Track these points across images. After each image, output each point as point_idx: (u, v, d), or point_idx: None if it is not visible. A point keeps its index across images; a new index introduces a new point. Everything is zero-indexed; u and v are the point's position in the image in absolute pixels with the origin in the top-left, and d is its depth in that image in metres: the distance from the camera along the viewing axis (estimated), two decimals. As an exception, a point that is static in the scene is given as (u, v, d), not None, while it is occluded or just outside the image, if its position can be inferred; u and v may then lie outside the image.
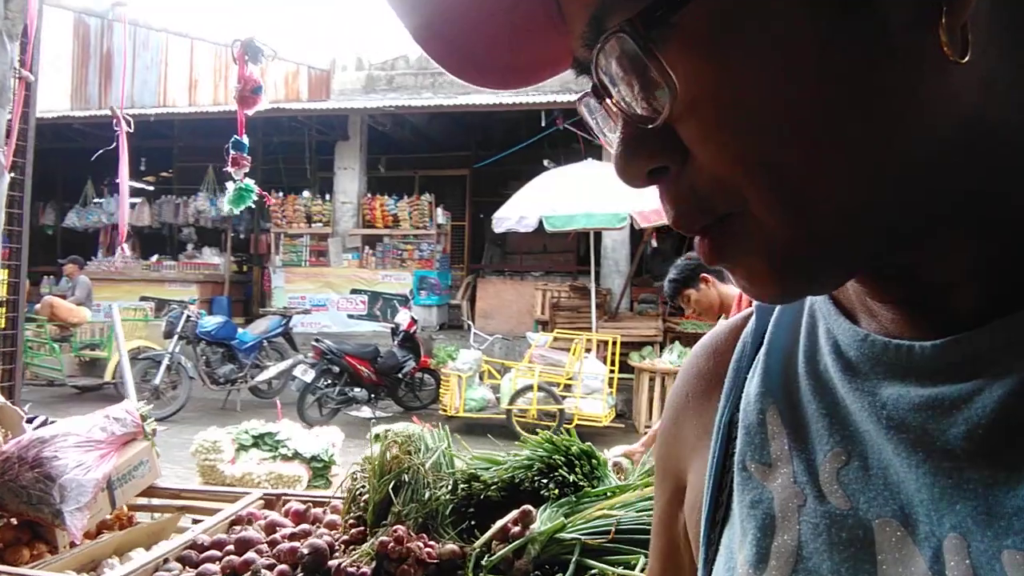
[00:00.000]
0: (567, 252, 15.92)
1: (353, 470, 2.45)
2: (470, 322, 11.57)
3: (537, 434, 2.21)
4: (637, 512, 1.87)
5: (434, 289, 13.51)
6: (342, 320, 13.57)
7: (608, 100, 0.46)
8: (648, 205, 9.24)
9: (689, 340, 10.46)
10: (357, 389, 9.67)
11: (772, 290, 0.46)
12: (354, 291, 13.78)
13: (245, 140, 2.91)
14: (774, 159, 0.41)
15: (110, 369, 10.40)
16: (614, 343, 9.45)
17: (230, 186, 2.86)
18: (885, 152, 0.41)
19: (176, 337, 9.87)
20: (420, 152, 15.63)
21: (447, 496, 2.11)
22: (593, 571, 1.76)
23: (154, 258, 14.59)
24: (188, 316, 10.03)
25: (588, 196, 9.25)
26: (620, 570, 1.74)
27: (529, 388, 8.87)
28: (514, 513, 1.97)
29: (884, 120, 0.40)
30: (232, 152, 2.81)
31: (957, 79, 0.40)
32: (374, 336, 12.26)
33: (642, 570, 1.72)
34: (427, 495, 2.10)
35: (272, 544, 2.30)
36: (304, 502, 2.72)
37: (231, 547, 2.32)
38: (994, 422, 0.43)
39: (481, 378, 9.83)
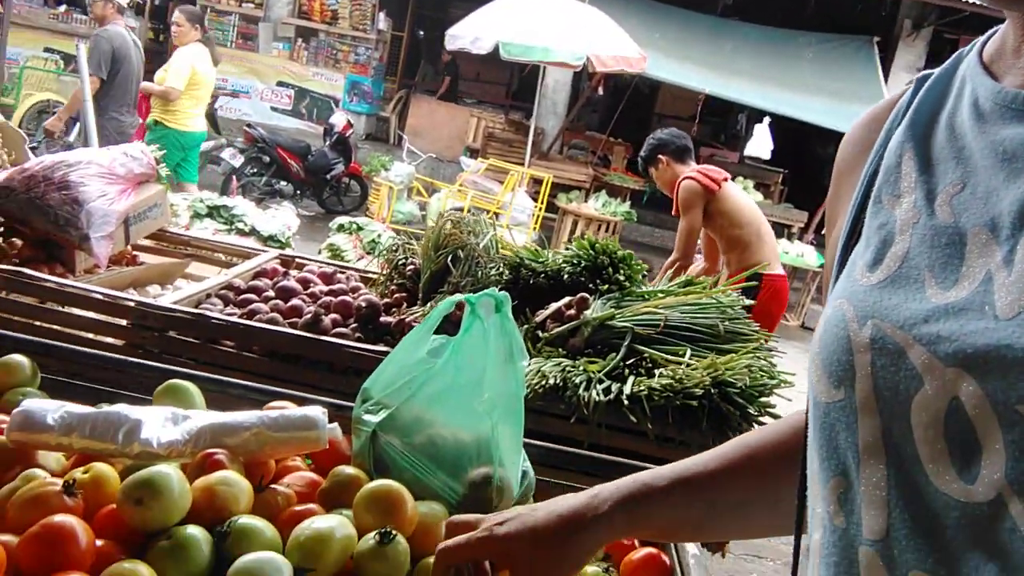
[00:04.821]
0: (499, 84, 15.67)
1: (395, 242, 2.56)
2: (405, 136, 11.40)
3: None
4: (681, 314, 2.09)
5: (366, 97, 13.11)
6: (265, 111, 13.05)
7: None
8: (606, 51, 9.19)
9: (615, 191, 10.76)
10: (284, 183, 9.52)
11: None
12: (281, 83, 13.19)
13: None
14: None
15: (16, 117, 9.75)
16: (547, 183, 9.61)
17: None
18: None
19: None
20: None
21: (497, 276, 2.27)
22: (644, 355, 1.99)
23: (62, 8, 13.36)
24: (110, 76, 9.40)
25: (548, 29, 9.07)
26: (669, 357, 1.97)
27: (459, 210, 8.97)
28: (568, 298, 2.16)
29: None
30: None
31: None
32: (297, 133, 11.92)
33: (692, 357, 1.96)
34: (479, 273, 2.25)
35: (312, 297, 2.42)
36: (321, 266, 2.83)
37: (270, 293, 2.42)
38: None
39: (409, 193, 9.85)
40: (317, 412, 1.11)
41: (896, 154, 0.69)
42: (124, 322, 2.12)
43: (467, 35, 9.57)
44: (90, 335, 2.15)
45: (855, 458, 0.62)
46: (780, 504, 0.83)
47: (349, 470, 1.10)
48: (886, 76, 10.93)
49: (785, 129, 10.96)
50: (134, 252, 2.93)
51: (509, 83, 15.60)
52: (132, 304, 2.12)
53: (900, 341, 0.60)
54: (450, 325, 1.26)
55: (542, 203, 9.70)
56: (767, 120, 10.64)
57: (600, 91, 11.08)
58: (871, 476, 0.61)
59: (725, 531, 0.87)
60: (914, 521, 0.57)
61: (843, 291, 0.67)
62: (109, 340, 2.13)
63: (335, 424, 1.13)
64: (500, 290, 2.30)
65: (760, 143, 10.70)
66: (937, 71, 0.71)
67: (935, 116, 0.68)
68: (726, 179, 4.17)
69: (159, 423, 1.05)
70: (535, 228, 9.67)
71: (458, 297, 1.13)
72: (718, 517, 0.84)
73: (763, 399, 1.96)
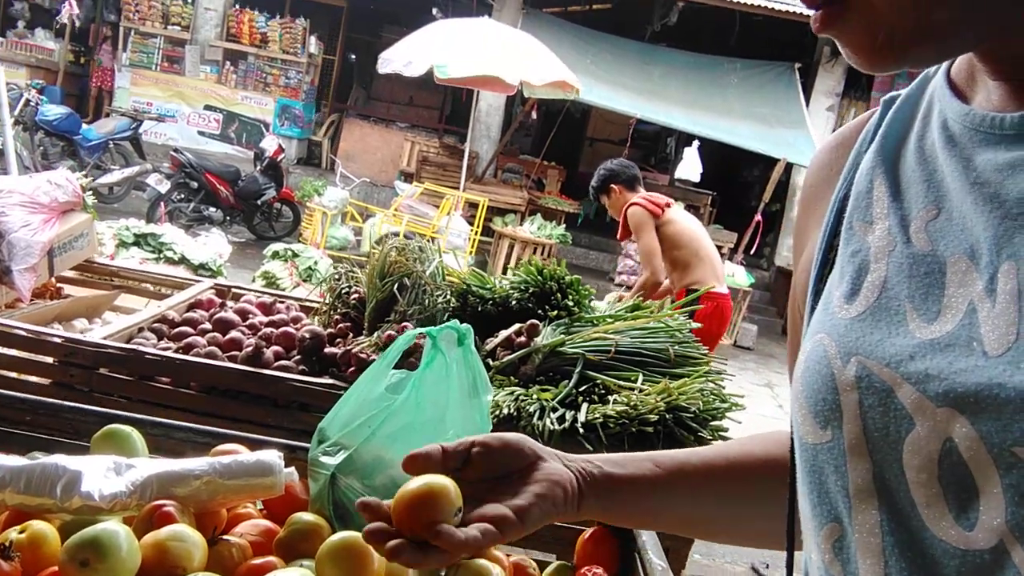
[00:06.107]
0: (432, 108, 15.65)
1: (336, 272, 2.50)
2: (338, 160, 11.26)
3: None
4: (631, 339, 2.09)
5: (297, 121, 12.93)
6: (192, 136, 12.74)
7: None
8: (539, 76, 9.26)
9: (550, 214, 10.81)
10: (212, 209, 9.28)
11: (868, 62, 0.58)
12: (208, 107, 12.92)
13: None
14: None
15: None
16: (482, 206, 9.61)
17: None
18: None
19: (12, 121, 8.92)
20: (295, -29, 14.52)
21: (444, 304, 2.23)
22: (596, 381, 1.97)
23: None
24: (28, 100, 9.07)
25: (482, 54, 9.11)
26: (621, 383, 1.96)
27: (394, 234, 8.90)
28: (518, 325, 2.13)
29: None
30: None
31: None
32: (226, 158, 11.66)
33: (643, 382, 1.95)
34: (426, 301, 2.21)
35: (252, 328, 2.33)
36: (259, 295, 2.74)
37: (207, 326, 2.33)
38: None
39: (343, 218, 9.73)
40: (272, 456, 1.05)
41: (867, 179, 0.67)
42: (50, 360, 2.01)
43: (400, 59, 9.53)
44: (13, 374, 2.03)
45: (846, 503, 0.60)
46: (770, 507, 0.79)
47: (308, 517, 1.04)
48: (807, 100, 11.30)
49: (713, 152, 11.21)
50: (58, 284, 2.80)
51: (442, 107, 15.59)
52: (59, 340, 2.01)
53: (887, 379, 0.57)
54: (402, 359, 1.22)
55: (478, 227, 9.69)
56: (696, 144, 10.87)
57: (533, 115, 11.15)
58: (864, 522, 0.58)
59: (710, 518, 0.83)
60: (912, 570, 0.55)
61: (821, 325, 0.65)
62: (34, 379, 2.01)
63: (292, 468, 1.07)
64: (448, 318, 2.27)
65: (689, 166, 10.91)
66: (904, 92, 0.69)
67: (904, 139, 0.66)
68: (668, 204, 4.36)
69: (100, 473, 0.98)
70: (471, 252, 9.64)
71: (419, 330, 1.09)
72: (701, 498, 0.83)
73: (715, 423, 1.96)
